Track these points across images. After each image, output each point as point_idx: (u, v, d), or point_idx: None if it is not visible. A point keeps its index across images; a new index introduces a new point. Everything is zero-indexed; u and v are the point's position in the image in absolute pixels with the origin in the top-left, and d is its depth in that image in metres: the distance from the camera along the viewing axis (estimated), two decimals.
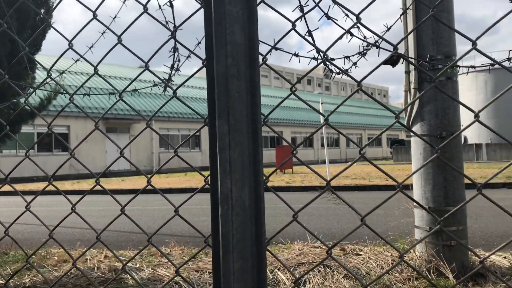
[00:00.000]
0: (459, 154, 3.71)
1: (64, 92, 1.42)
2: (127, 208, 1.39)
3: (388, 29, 1.73)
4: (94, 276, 3.89)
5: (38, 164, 1.71)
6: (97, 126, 1.37)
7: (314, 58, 1.32)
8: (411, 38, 3.74)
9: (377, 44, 1.43)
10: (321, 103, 17.01)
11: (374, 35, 1.04)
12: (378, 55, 1.21)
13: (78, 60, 1.91)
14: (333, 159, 40.33)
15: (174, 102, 31.41)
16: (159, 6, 1.99)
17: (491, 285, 3.34)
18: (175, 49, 1.58)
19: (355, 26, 1.01)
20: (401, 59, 1.50)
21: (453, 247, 3.61)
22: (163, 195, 1.22)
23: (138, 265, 4.26)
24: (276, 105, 1.09)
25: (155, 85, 1.64)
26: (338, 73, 1.24)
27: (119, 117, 27.32)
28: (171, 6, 1.56)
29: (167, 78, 1.67)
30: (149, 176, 1.32)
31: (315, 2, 1.04)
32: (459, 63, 3.20)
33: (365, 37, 1.65)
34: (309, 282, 3.42)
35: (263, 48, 1.86)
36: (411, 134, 3.76)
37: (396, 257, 3.94)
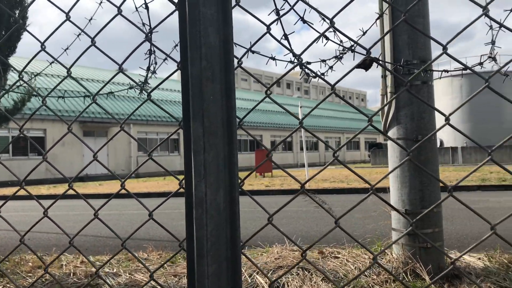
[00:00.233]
0: (435, 157, 3.77)
1: (37, 94, 1.39)
2: (104, 212, 1.37)
3: (364, 33, 1.75)
4: (70, 282, 3.83)
5: (13, 168, 1.68)
6: (70, 129, 1.34)
7: (291, 62, 1.32)
8: (387, 42, 3.78)
9: (353, 48, 1.45)
10: (300, 107, 17.10)
11: (350, 40, 1.05)
12: (353, 59, 1.22)
13: (52, 62, 1.87)
14: (312, 162, 40.57)
15: (152, 105, 31.17)
16: (136, 8, 1.98)
17: (466, 286, 3.40)
18: (150, 52, 1.57)
19: (330, 30, 1.02)
20: (377, 64, 1.51)
21: (429, 249, 3.65)
22: (137, 199, 1.21)
23: (115, 270, 4.20)
24: (251, 108, 1.09)
25: (131, 87, 1.63)
26: (314, 77, 1.24)
27: (96, 121, 26.99)
28: (147, 8, 1.54)
29: (143, 81, 1.66)
30: (126, 180, 1.30)
31: (290, 5, 1.04)
32: (434, 68, 3.25)
33: (341, 41, 1.67)
34: (288, 285, 3.42)
35: (241, 52, 1.84)
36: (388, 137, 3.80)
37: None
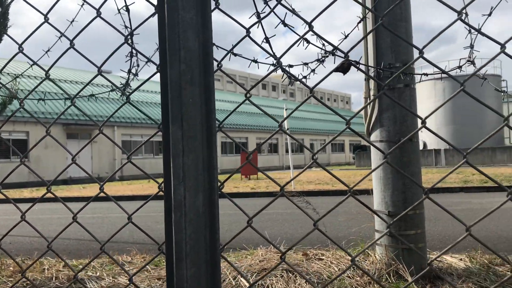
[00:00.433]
0: (417, 159, 3.81)
1: (15, 97, 1.38)
2: (88, 216, 1.36)
3: (346, 37, 1.76)
4: (52, 286, 3.78)
5: None
6: (48, 132, 1.33)
7: (273, 65, 1.33)
8: (370, 46, 3.82)
9: (334, 52, 1.46)
10: (285, 109, 17.16)
11: (328, 43, 1.06)
12: (334, 62, 1.23)
13: (33, 65, 1.85)
14: (298, 164, 40.67)
15: (141, 107, 30.96)
16: (118, 10, 1.97)
17: (448, 287, 3.44)
18: (131, 54, 1.56)
19: (309, 33, 1.03)
20: (355, 67, 1.52)
21: (412, 250, 3.69)
22: (116, 202, 1.20)
23: (98, 274, 4.17)
24: (231, 111, 1.09)
25: (112, 90, 1.62)
26: (296, 80, 1.25)
27: (80, 123, 26.74)
28: (127, 10, 1.53)
29: (124, 83, 1.65)
30: (110, 183, 1.29)
31: (270, 8, 1.04)
32: (418, 71, 3.29)
33: (323, 44, 1.68)
34: (272, 287, 3.43)
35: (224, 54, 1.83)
36: (370, 139, 3.84)
37: (358, 261, 4.00)
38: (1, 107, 6.38)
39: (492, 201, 9.95)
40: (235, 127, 38.97)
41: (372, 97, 3.82)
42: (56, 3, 1.23)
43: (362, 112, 4.12)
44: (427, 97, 35.77)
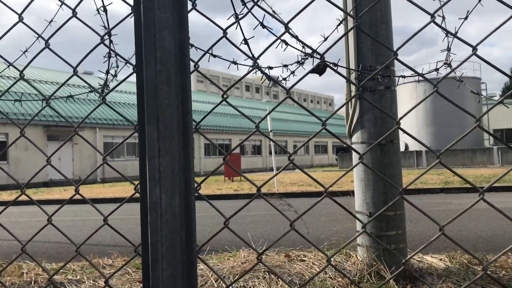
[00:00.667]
0: (397, 160, 3.85)
1: None
2: (68, 218, 1.35)
3: (325, 39, 1.77)
4: None
5: None
6: (22, 133, 1.31)
7: (251, 66, 1.33)
8: (351, 48, 3.85)
9: (313, 54, 1.46)
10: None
11: (304, 45, 1.07)
12: (313, 64, 1.24)
13: (10, 65, 1.83)
14: (281, 166, 40.69)
15: (121, 109, 30.72)
16: (98, 11, 1.95)
17: (428, 287, 3.48)
18: (109, 55, 1.54)
19: (285, 34, 1.03)
20: (331, 69, 1.53)
21: (393, 251, 3.72)
22: (92, 205, 1.19)
23: (78, 277, 4.11)
24: (208, 112, 1.09)
25: (91, 91, 1.60)
26: (274, 81, 1.25)
27: (61, 125, 26.40)
28: (105, 11, 1.52)
29: (103, 84, 1.63)
30: (92, 185, 1.28)
31: (247, 8, 1.04)
32: (399, 74, 3.32)
33: (303, 46, 1.69)
34: None
35: (209, 56, 1.82)
36: (352, 141, 3.87)
37: (339, 261, 4.02)
38: None
39: (472, 202, 10.08)
40: (218, 129, 38.91)
41: (353, 99, 3.86)
42: (30, 3, 1.22)
43: (344, 114, 4.15)
44: (409, 99, 36.18)
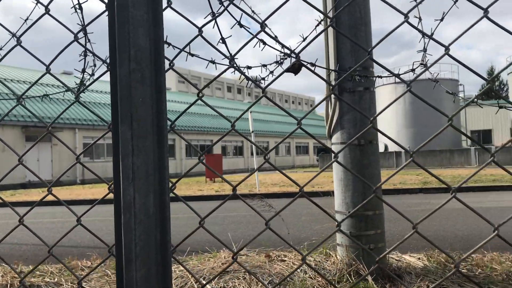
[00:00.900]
0: (376, 161, 3.89)
1: None
2: (47, 220, 1.32)
3: (304, 39, 1.78)
4: None
5: None
6: None
7: (228, 65, 1.32)
8: (331, 49, 3.88)
9: (291, 54, 1.47)
10: (250, 112, 17.20)
11: (283, 44, 1.07)
12: (290, 64, 1.24)
13: None
14: (263, 167, 40.78)
15: (100, 109, 30.37)
16: (74, 8, 1.92)
17: (406, 286, 3.52)
18: (85, 53, 1.52)
19: (265, 34, 1.03)
20: (306, 68, 1.54)
21: (372, 250, 3.76)
22: (65, 205, 1.17)
23: (56, 279, 4.05)
24: (182, 111, 1.09)
25: (67, 90, 1.57)
26: (252, 80, 1.25)
27: (39, 125, 25.98)
28: (80, 8, 1.50)
29: (79, 84, 1.61)
30: (72, 187, 1.26)
31: (224, 6, 1.04)
32: (379, 74, 3.35)
33: (282, 47, 1.69)
34: None
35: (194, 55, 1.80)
36: (332, 142, 3.90)
37: (319, 261, 4.04)
38: None
39: (450, 202, 10.24)
40: (199, 130, 38.78)
41: (333, 100, 3.88)
42: None
43: (324, 115, 4.18)
44: (389, 100, 36.57)
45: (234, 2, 1.02)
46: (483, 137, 46.95)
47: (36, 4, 2.02)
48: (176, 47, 1.22)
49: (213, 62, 1.43)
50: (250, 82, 1.44)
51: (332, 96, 3.90)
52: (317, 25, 1.80)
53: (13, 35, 1.77)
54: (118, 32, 0.84)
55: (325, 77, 3.80)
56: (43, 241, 1.32)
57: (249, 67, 1.58)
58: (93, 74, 1.76)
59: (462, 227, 6.94)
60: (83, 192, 17.18)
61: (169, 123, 1.16)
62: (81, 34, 1.42)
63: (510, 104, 1.38)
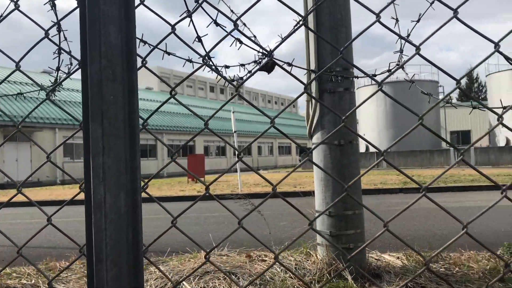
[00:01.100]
0: (356, 161, 3.92)
1: None
2: (26, 221, 1.30)
3: (283, 40, 1.78)
4: None
5: None
6: None
7: (200, 63, 1.32)
8: (312, 50, 3.90)
9: (268, 54, 1.47)
10: (233, 112, 17.19)
11: (257, 43, 1.07)
12: (263, 63, 1.24)
13: None
14: (245, 167, 40.80)
15: (76, 108, 29.99)
16: (51, 7, 1.89)
17: (386, 284, 3.55)
18: (59, 51, 1.50)
19: (235, 30, 1.03)
20: (280, 67, 1.54)
21: (351, 250, 3.79)
22: (37, 206, 1.15)
23: (33, 281, 4.00)
24: (155, 109, 1.08)
25: (41, 89, 1.55)
26: (227, 80, 1.25)
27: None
28: (53, 5, 1.48)
29: (53, 82, 1.58)
30: (52, 187, 1.23)
31: (198, 3, 1.03)
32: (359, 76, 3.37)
33: (261, 47, 1.69)
34: None
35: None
36: (313, 142, 3.92)
37: (300, 261, 4.05)
38: None
39: (428, 201, 10.38)
40: (182, 130, 38.61)
41: (313, 100, 3.90)
42: None
43: (304, 115, 4.20)
44: (370, 102, 36.90)
45: (209, 1, 1.02)
46: (462, 138, 47.71)
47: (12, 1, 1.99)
48: (150, 45, 1.21)
49: (190, 61, 1.42)
50: (226, 81, 1.44)
51: (314, 95, 3.92)
52: (295, 25, 1.80)
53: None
54: (89, 29, 0.83)
55: (305, 78, 3.82)
56: (13, 242, 1.30)
57: (227, 67, 1.58)
58: (69, 73, 1.74)
59: (441, 227, 7.04)
60: (63, 193, 16.97)
61: (146, 122, 1.14)
62: (56, 32, 1.39)
63: (483, 105, 1.40)
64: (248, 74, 1.44)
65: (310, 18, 3.80)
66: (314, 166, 4.08)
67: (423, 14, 1.71)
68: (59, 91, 1.69)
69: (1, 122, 24.79)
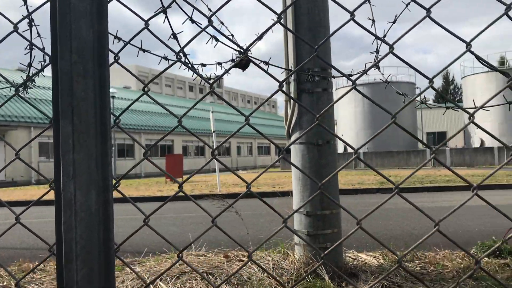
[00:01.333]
0: (334, 161, 3.94)
1: None
2: (0, 222, 1.26)
3: (260, 38, 1.78)
4: None
5: None
6: None
7: (173, 59, 1.30)
8: (291, 51, 3.91)
9: (244, 52, 1.46)
10: (212, 112, 17.13)
11: (232, 41, 1.06)
12: (238, 60, 1.24)
13: None
14: (222, 167, 40.69)
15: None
16: (23, 1, 1.85)
17: (362, 284, 3.58)
18: (31, 47, 1.46)
19: (209, 26, 1.02)
20: (255, 64, 1.53)
21: (328, 249, 3.80)
22: (5, 205, 1.12)
23: (5, 283, 3.91)
24: (127, 107, 1.06)
25: (13, 86, 1.50)
26: (202, 77, 1.24)
27: None
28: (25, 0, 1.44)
29: (25, 78, 1.54)
30: (27, 187, 1.20)
31: (175, 1, 1.02)
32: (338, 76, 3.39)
33: (239, 46, 1.68)
34: None
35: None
36: (291, 141, 3.93)
37: (277, 261, 4.06)
38: None
39: (405, 201, 10.52)
40: (160, 130, 38.32)
41: (291, 100, 3.91)
42: None
43: (283, 115, 4.21)
44: (348, 102, 37.27)
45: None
46: (438, 139, 48.53)
47: None
48: (124, 41, 1.19)
49: (166, 58, 1.41)
50: (202, 79, 1.43)
51: (292, 95, 3.93)
52: (272, 25, 1.80)
53: None
54: (60, 23, 0.81)
55: (283, 77, 3.83)
56: None
57: (203, 65, 1.57)
58: (42, 69, 1.70)
59: (418, 226, 7.14)
60: (38, 193, 16.65)
61: (118, 119, 1.12)
62: (27, 27, 1.36)
63: (457, 105, 1.43)
64: (229, 73, 1.44)
65: (289, 19, 3.81)
66: (292, 166, 4.09)
67: (399, 15, 1.73)
68: (32, 88, 1.65)
69: None
